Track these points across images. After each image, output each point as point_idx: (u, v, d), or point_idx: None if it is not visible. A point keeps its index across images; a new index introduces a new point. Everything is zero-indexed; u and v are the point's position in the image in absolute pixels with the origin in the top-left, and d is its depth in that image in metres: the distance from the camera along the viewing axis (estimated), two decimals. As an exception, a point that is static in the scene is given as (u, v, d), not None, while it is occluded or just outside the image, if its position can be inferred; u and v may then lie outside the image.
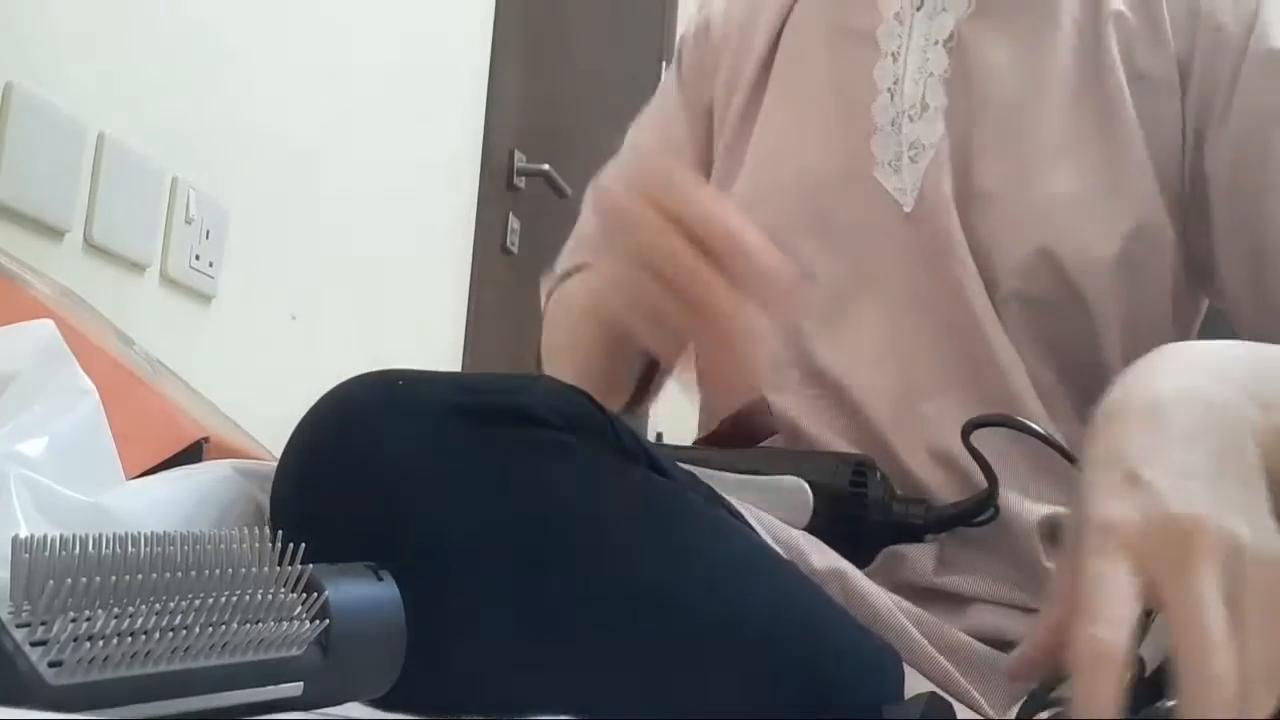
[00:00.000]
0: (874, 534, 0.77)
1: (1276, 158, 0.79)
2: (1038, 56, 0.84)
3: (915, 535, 0.77)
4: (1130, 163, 0.82)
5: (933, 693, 0.65)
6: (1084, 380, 0.81)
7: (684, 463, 0.72)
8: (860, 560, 0.76)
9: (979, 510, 0.75)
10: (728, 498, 0.72)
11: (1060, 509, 0.77)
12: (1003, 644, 0.74)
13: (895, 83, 0.86)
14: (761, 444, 0.86)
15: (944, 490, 0.79)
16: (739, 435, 0.86)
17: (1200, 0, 0.83)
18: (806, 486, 0.77)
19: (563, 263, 1.02)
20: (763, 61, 0.93)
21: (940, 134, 0.83)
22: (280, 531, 0.48)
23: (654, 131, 1.01)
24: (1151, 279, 0.82)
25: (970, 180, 0.83)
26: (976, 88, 0.84)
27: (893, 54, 0.87)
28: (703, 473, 0.73)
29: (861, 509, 0.76)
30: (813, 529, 0.75)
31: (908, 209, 0.83)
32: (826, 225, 0.86)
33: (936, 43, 0.86)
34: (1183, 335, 0.86)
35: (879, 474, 0.78)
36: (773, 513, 0.74)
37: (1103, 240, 0.80)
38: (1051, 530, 0.77)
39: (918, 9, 0.87)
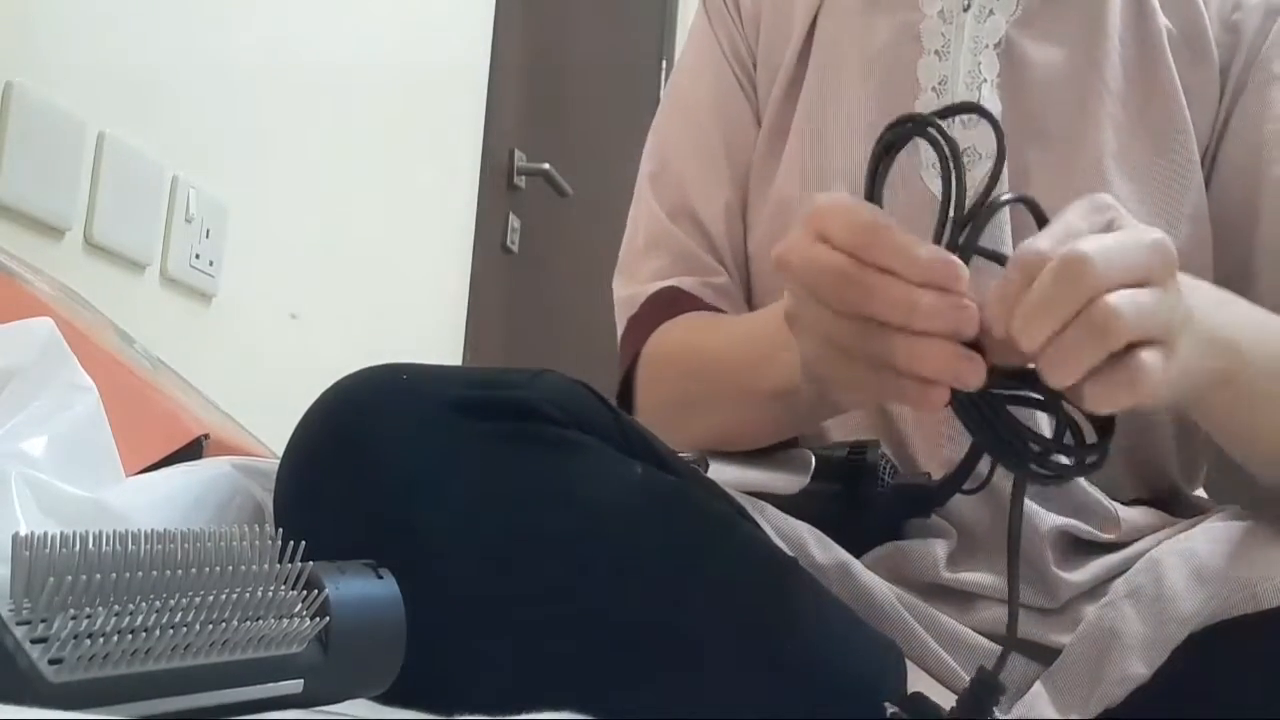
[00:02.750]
0: (873, 505, 0.76)
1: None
2: (1090, 66, 0.84)
3: (916, 506, 0.77)
4: (1185, 175, 0.82)
5: (917, 694, 0.66)
6: None
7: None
8: (867, 539, 0.75)
9: (972, 463, 0.74)
10: (729, 479, 0.72)
11: (1070, 521, 0.77)
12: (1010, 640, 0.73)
13: (941, 82, 0.85)
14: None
15: (965, 503, 0.78)
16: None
17: (1237, 10, 0.84)
18: (808, 451, 0.77)
19: (637, 268, 0.92)
20: (799, 52, 0.90)
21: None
22: (281, 528, 0.48)
23: (710, 105, 0.95)
24: None
25: (1027, 192, 0.81)
26: (1029, 96, 0.83)
27: (937, 52, 0.85)
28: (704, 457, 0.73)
29: (857, 475, 0.76)
30: (815, 506, 0.75)
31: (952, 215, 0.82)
32: None
33: (988, 46, 0.84)
34: None
35: (880, 450, 0.77)
36: (773, 479, 0.74)
37: None
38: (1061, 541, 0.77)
39: (965, 8, 0.85)
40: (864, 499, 0.76)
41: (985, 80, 0.84)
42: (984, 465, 0.73)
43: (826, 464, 0.77)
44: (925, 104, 0.84)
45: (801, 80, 0.90)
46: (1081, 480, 0.78)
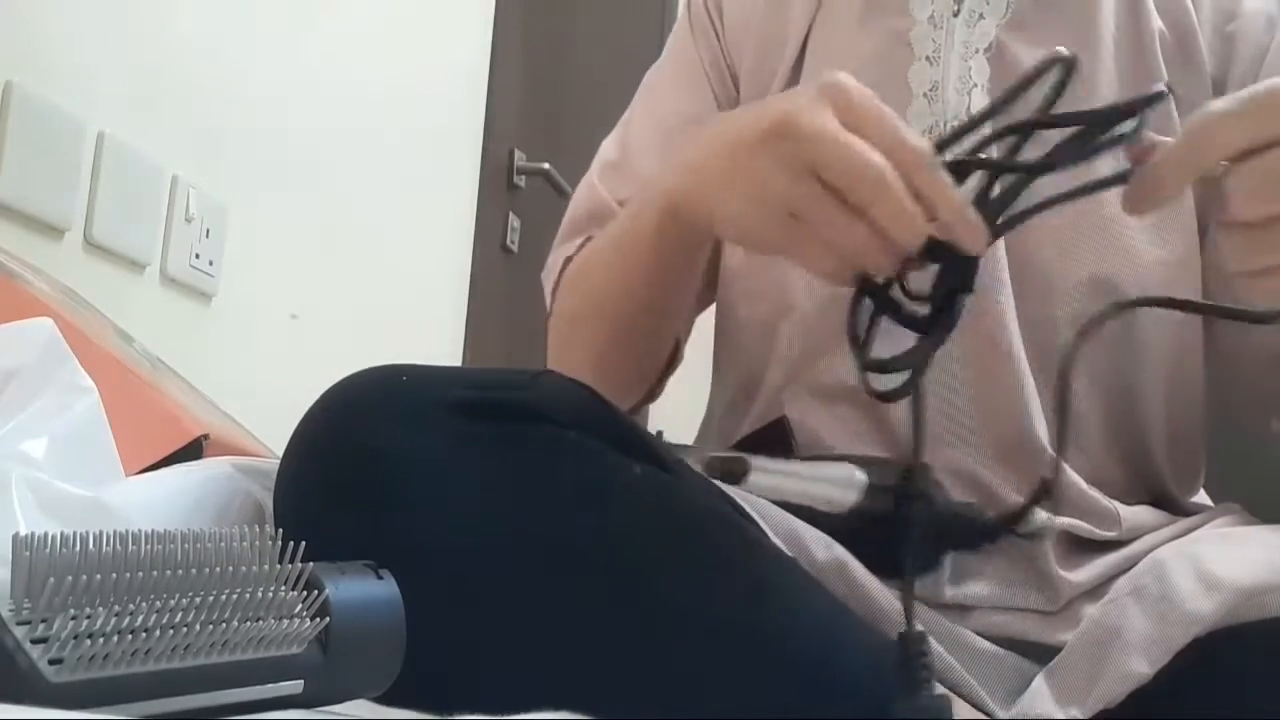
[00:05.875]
0: (919, 533, 0.70)
1: None
2: (1081, 69, 0.83)
3: (966, 538, 0.73)
4: None
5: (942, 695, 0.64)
6: (1118, 410, 0.81)
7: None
8: (906, 567, 0.72)
9: (1032, 504, 0.71)
10: (767, 485, 0.71)
11: (1072, 521, 0.76)
12: (1009, 641, 0.73)
13: (933, 89, 0.84)
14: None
15: None
16: (757, 450, 0.84)
17: (1233, 21, 0.83)
18: (855, 469, 0.71)
19: (566, 246, 0.96)
20: (793, 62, 0.90)
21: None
22: (281, 529, 0.48)
23: (683, 116, 0.96)
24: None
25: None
26: (1019, 100, 0.83)
27: (928, 58, 0.85)
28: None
29: (908, 499, 0.69)
30: (853, 526, 0.71)
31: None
32: None
33: (977, 51, 0.84)
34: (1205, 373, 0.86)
35: (932, 476, 0.71)
36: (818, 491, 0.71)
37: (1156, 261, 0.79)
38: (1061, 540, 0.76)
39: (954, 14, 0.85)
40: (910, 525, 0.69)
41: (975, 85, 0.83)
42: (1043, 515, 0.72)
43: (876, 486, 0.71)
44: (917, 111, 0.84)
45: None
46: (1081, 482, 0.78)
